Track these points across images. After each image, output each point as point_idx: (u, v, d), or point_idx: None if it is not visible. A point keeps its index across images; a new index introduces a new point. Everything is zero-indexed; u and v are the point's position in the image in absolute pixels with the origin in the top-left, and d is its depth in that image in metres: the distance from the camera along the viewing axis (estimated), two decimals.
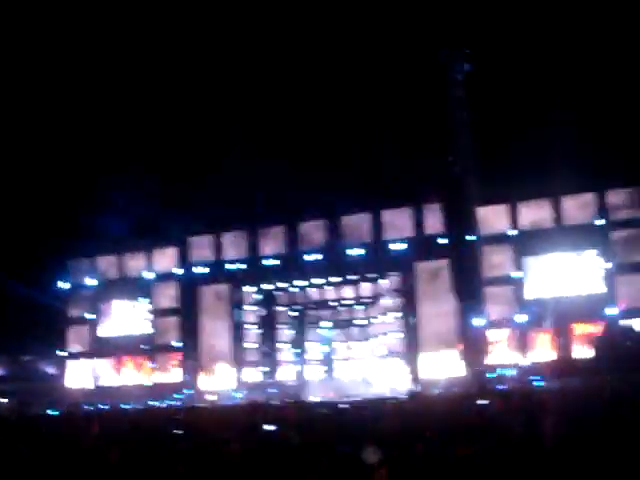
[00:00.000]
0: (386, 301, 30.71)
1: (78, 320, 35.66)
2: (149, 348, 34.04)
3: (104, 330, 35.26)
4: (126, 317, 34.97)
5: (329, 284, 31.65)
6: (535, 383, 23.22)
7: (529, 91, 28.42)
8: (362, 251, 30.46)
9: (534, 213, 28.97)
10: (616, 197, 28.07)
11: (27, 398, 29.19)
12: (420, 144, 28.10)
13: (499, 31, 28.99)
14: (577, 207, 28.38)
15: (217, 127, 31.09)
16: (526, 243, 28.71)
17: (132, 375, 34.26)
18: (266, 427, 12.97)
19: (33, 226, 33.16)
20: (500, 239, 29.20)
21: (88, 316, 35.47)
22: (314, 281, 31.59)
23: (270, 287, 32.48)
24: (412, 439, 8.65)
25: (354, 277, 31.05)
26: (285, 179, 28.79)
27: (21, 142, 33.02)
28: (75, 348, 35.48)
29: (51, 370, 36.02)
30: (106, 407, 27.61)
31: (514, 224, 29.11)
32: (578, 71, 28.24)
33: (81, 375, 35.08)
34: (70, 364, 35.37)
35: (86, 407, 27.78)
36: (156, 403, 28.89)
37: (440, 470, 7.50)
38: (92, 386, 34.50)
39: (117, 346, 34.57)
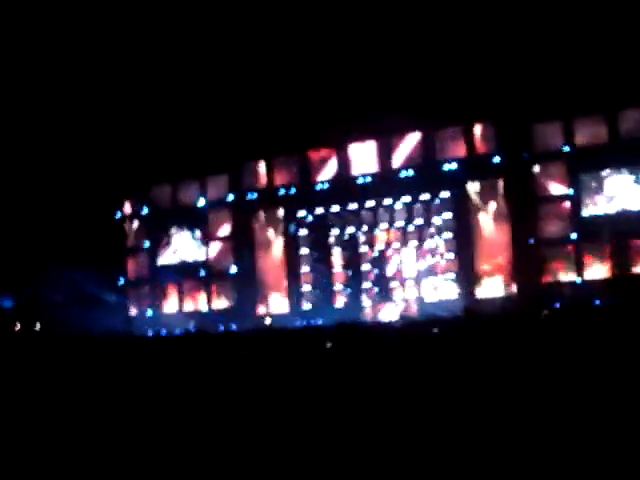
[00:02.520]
0: (439, 221, 30.59)
1: (136, 249, 36.43)
2: (206, 275, 34.63)
3: (162, 259, 35.90)
4: (183, 245, 35.50)
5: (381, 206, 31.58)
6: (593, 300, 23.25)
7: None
8: (412, 172, 30.57)
9: (590, 129, 28.43)
10: None
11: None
12: (470, 60, 27.79)
13: None
14: (635, 121, 27.77)
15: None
16: (582, 160, 28.33)
17: (190, 302, 34.95)
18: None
19: (88, 158, 33.50)
20: (555, 156, 28.89)
21: (146, 245, 36.19)
22: (367, 204, 31.63)
23: (322, 211, 32.58)
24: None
25: (407, 198, 30.97)
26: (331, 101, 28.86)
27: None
28: (134, 277, 36.30)
29: (112, 298, 36.84)
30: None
31: (569, 140, 28.63)
32: None
33: (142, 303, 35.96)
34: (130, 292, 36.26)
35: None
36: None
37: None
38: (152, 313, 35.39)
39: (175, 274, 35.22)
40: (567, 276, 28.23)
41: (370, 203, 31.51)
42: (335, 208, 32.26)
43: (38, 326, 34.18)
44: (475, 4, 27.96)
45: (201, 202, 34.72)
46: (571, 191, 28.53)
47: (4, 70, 31.67)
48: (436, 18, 28.36)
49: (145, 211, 36.10)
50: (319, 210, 32.58)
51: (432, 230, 30.86)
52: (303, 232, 32.94)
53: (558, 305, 23.11)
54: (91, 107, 32.79)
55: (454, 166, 29.88)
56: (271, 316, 32.05)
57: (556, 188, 28.82)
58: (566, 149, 28.54)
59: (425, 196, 30.65)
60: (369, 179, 31.49)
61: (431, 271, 30.84)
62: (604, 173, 28.14)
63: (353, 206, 31.91)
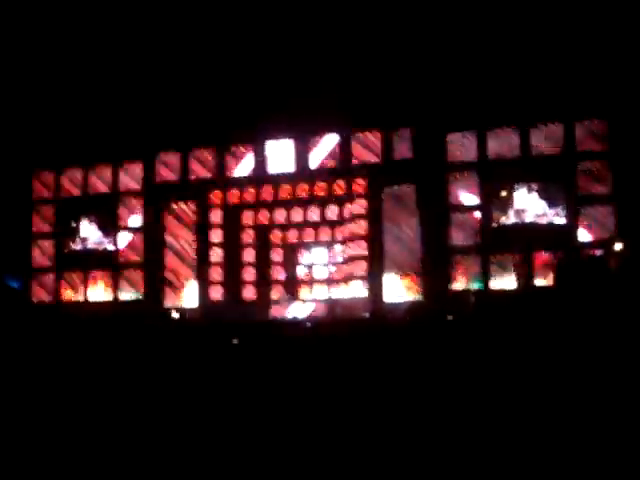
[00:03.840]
0: (353, 225, 30.83)
1: (43, 235, 35.47)
2: (115, 264, 34.03)
3: (69, 245, 35.08)
4: (91, 233, 34.79)
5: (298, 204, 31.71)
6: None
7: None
8: (327, 173, 30.82)
9: (501, 142, 29.11)
10: (583, 129, 28.28)
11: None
12: (394, 66, 28.15)
13: None
14: (544, 138, 28.60)
15: None
16: (493, 172, 28.99)
17: (98, 291, 34.28)
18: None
19: None
20: (467, 167, 29.47)
21: (53, 231, 35.24)
22: (282, 195, 31.69)
23: (236, 202, 32.45)
24: None
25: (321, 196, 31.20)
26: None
27: None
28: (40, 263, 35.36)
29: (15, 285, 35.82)
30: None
31: (482, 152, 29.26)
32: None
33: (46, 290, 35.05)
34: (36, 279, 35.29)
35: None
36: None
37: None
38: (56, 301, 34.54)
39: (82, 262, 34.48)
40: (474, 285, 28.77)
41: (285, 195, 31.61)
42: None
43: None
44: (397, 10, 28.28)
45: (114, 189, 34.10)
46: (480, 201, 29.12)
47: None
48: (360, 20, 28.57)
49: (54, 195, 35.14)
50: (234, 200, 32.42)
51: (344, 231, 31.04)
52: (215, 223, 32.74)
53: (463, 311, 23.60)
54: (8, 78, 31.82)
55: (369, 170, 30.23)
56: (178, 310, 31.69)
57: (467, 198, 29.38)
58: (478, 160, 29.14)
59: (339, 196, 30.85)
60: (285, 176, 31.60)
61: (341, 271, 31.04)
62: (514, 186, 28.81)
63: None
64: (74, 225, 34.90)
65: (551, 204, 28.36)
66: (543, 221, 28.41)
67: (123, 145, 32.83)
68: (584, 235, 27.72)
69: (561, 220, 28.21)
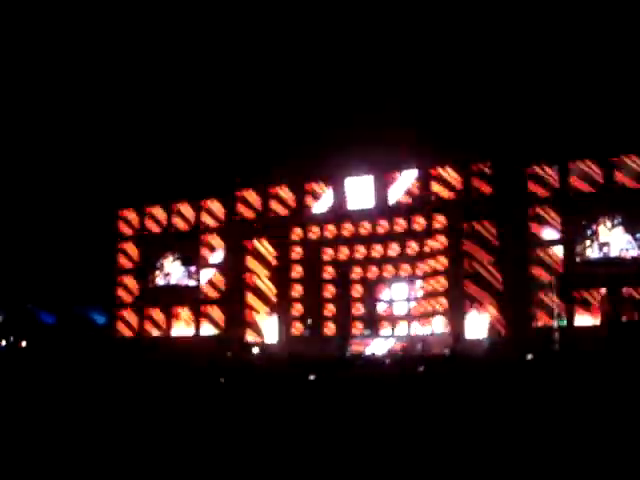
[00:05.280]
0: (432, 261, 30.58)
1: (127, 271, 36.31)
2: (196, 300, 34.49)
3: (152, 282, 35.78)
4: (174, 269, 35.40)
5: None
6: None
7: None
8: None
9: (583, 175, 28.51)
10: None
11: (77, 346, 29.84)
12: (473, 100, 27.97)
13: None
14: (627, 170, 27.88)
15: None
16: (575, 205, 28.38)
17: (180, 326, 34.77)
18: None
19: (84, 174, 33.49)
20: (548, 201, 28.93)
21: (137, 267, 36.08)
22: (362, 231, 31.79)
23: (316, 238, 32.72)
24: None
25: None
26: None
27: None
28: (124, 299, 36.12)
29: (101, 320, 36.71)
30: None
31: (563, 185, 28.70)
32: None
33: (130, 325, 35.75)
34: (120, 314, 36.07)
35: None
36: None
37: None
38: (139, 336, 35.17)
39: (165, 297, 35.09)
40: (558, 321, 28.05)
41: (364, 230, 31.71)
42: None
43: (24, 343, 34.01)
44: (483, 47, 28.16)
45: (195, 226, 34.83)
46: (562, 236, 28.53)
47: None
48: (443, 56, 28.63)
49: (137, 232, 36.08)
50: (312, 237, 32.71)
51: (424, 267, 30.83)
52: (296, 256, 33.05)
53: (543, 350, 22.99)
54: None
55: (448, 205, 29.99)
56: (258, 344, 31.92)
57: (549, 233, 28.80)
58: (559, 193, 28.64)
59: (418, 232, 30.76)
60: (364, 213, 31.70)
61: (421, 307, 30.79)
62: (598, 220, 28.15)
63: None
64: (157, 262, 35.62)
65: (636, 238, 27.56)
66: (628, 255, 27.61)
67: (203, 183, 33.39)
68: None
69: None
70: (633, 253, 27.59)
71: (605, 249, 28.00)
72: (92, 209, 33.94)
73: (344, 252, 32.28)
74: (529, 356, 15.14)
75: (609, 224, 27.99)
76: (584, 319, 27.73)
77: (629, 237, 27.63)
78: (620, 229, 27.80)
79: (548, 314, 28.18)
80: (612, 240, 27.88)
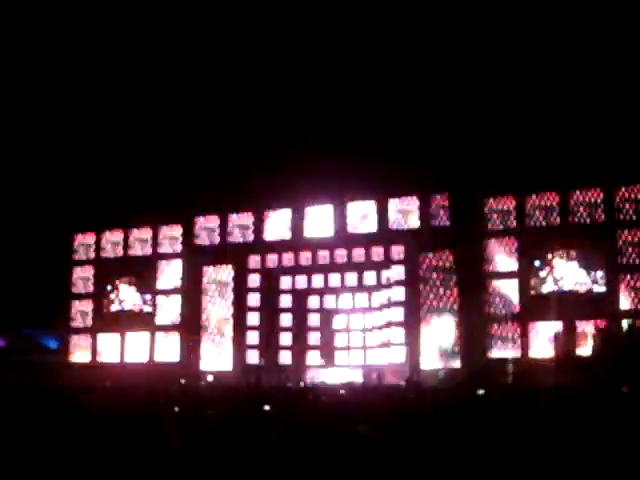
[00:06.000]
0: (390, 291, 30.67)
1: (82, 295, 35.82)
2: (151, 326, 34.15)
3: (108, 306, 35.36)
4: (129, 294, 35.03)
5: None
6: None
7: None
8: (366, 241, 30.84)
9: (539, 208, 28.87)
10: (625, 194, 27.93)
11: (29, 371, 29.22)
12: (430, 135, 28.18)
13: None
14: (584, 203, 28.28)
15: None
16: (531, 238, 28.69)
17: (134, 352, 34.35)
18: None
19: (40, 196, 33.08)
20: (505, 233, 29.22)
21: (92, 291, 35.62)
22: (320, 262, 31.79)
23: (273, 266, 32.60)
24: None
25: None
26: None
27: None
28: (78, 324, 35.63)
29: (54, 344, 36.16)
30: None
31: (520, 218, 29.03)
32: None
33: (83, 350, 35.24)
34: (73, 339, 35.53)
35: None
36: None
37: None
38: (93, 361, 34.68)
39: (120, 323, 34.68)
40: (511, 353, 28.23)
41: (323, 261, 31.68)
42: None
43: None
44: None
45: (152, 251, 34.59)
46: (518, 268, 28.81)
47: None
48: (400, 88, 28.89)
49: (92, 257, 35.68)
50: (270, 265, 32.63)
51: (381, 296, 30.92)
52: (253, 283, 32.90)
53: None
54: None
55: (406, 236, 30.15)
56: (213, 373, 31.58)
57: (505, 265, 29.05)
58: (516, 226, 28.97)
59: (376, 262, 30.82)
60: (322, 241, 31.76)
61: (377, 337, 30.82)
62: (553, 253, 28.47)
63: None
64: (112, 286, 35.24)
65: (589, 272, 27.92)
66: (582, 289, 27.95)
67: (161, 208, 33.14)
68: (624, 303, 27.22)
69: (601, 288, 27.72)
70: (587, 287, 27.95)
71: (560, 283, 28.31)
72: (47, 232, 33.51)
73: (302, 280, 32.26)
74: (480, 391, 15.28)
75: (564, 258, 28.33)
76: (539, 351, 27.96)
77: (583, 272, 27.98)
78: (575, 263, 28.15)
79: (504, 346, 28.41)
80: (566, 274, 28.21)
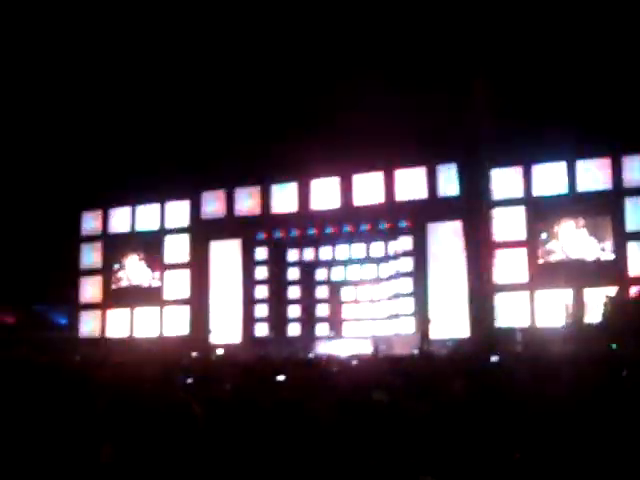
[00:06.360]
0: (398, 262, 30.67)
1: (90, 271, 35.95)
2: (160, 301, 34.27)
3: (116, 281, 35.47)
4: (138, 269, 35.12)
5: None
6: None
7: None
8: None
9: (548, 178, 28.82)
10: (633, 162, 27.87)
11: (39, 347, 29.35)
12: (435, 103, 27.95)
13: None
14: (592, 172, 28.22)
15: None
16: (539, 207, 28.66)
17: (143, 327, 34.48)
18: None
19: (48, 174, 33.02)
20: (513, 202, 29.19)
21: (101, 267, 35.73)
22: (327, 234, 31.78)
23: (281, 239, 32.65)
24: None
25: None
26: None
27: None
28: (87, 299, 35.77)
29: (63, 320, 36.30)
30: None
31: (528, 187, 28.98)
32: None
33: (93, 326, 35.40)
34: (82, 315, 35.69)
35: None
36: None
37: None
38: (103, 337, 34.85)
39: (129, 298, 34.80)
40: (521, 322, 28.24)
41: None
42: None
43: None
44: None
45: (160, 227, 34.62)
46: (526, 237, 28.80)
47: None
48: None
49: (100, 233, 35.75)
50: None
51: (389, 268, 30.92)
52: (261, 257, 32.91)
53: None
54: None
55: (413, 207, 30.08)
56: (222, 346, 31.65)
57: (514, 234, 29.02)
58: (524, 196, 28.92)
59: (384, 233, 30.83)
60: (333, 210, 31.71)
61: (386, 308, 30.87)
62: (561, 220, 28.45)
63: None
64: (120, 262, 35.34)
65: (599, 240, 27.89)
66: (591, 257, 27.94)
67: (168, 183, 33.05)
68: (634, 270, 27.20)
69: (609, 256, 27.70)
70: (596, 255, 27.94)
71: (569, 251, 28.29)
72: (55, 209, 33.49)
73: (309, 253, 32.28)
74: (494, 358, 15.30)
75: (573, 226, 28.31)
76: (548, 320, 27.99)
77: (593, 239, 27.96)
78: (584, 231, 28.12)
79: (513, 315, 28.46)
80: (575, 242, 28.19)
